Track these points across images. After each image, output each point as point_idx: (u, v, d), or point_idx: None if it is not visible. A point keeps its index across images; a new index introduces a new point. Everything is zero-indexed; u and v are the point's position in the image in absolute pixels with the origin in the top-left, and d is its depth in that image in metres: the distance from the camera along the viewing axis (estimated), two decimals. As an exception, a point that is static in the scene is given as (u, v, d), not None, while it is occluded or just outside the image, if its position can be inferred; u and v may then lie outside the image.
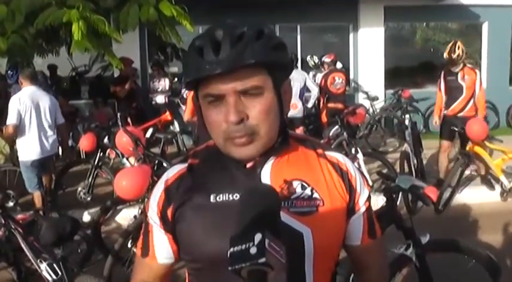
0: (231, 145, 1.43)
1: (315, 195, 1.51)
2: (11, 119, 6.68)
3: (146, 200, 5.39)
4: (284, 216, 1.44)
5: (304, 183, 1.52)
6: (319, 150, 1.60)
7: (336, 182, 1.55)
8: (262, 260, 1.09)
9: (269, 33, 1.42)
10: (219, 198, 1.49)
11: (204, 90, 1.41)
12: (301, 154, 1.58)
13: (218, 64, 1.34)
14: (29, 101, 6.76)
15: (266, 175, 1.51)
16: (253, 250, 1.10)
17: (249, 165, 1.51)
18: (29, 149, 6.87)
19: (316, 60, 12.59)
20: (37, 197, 6.96)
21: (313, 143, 1.64)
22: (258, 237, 1.12)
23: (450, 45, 8.03)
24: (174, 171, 1.60)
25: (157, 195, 1.57)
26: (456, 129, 7.84)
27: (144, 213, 1.68)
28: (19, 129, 6.76)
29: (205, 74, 1.36)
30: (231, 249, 1.13)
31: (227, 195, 1.49)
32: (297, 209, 1.48)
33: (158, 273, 1.64)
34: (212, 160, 1.56)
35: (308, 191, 1.51)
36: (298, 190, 1.50)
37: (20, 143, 6.91)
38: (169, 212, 1.53)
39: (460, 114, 8.01)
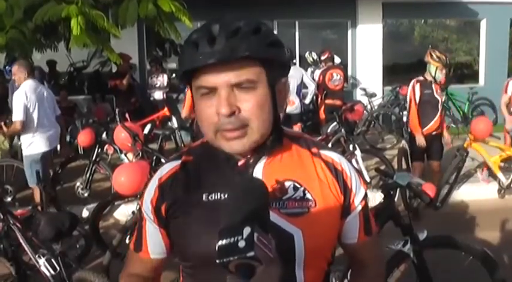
0: (222, 138, 1.42)
1: (308, 195, 1.49)
2: (18, 116, 6.59)
3: (139, 196, 5.41)
4: (275, 218, 1.44)
5: (296, 184, 1.50)
6: (314, 149, 1.58)
7: (330, 182, 1.53)
8: (251, 253, 1.09)
9: (266, 30, 1.42)
10: (211, 197, 1.49)
11: (197, 82, 1.41)
12: (295, 153, 1.56)
13: (212, 54, 1.34)
14: (33, 95, 6.70)
15: (258, 175, 1.50)
16: (241, 244, 1.10)
17: (240, 162, 1.50)
18: (38, 142, 6.81)
19: (315, 57, 12.60)
20: (37, 191, 6.94)
21: (308, 141, 1.61)
22: (247, 231, 1.11)
23: (437, 51, 7.25)
24: (167, 169, 1.59)
25: (151, 192, 1.57)
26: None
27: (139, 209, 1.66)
28: (26, 125, 6.70)
29: (199, 64, 1.36)
30: (220, 242, 1.13)
31: (219, 194, 1.48)
32: (289, 210, 1.47)
33: (150, 268, 1.66)
34: (206, 158, 1.56)
35: (300, 192, 1.50)
36: (290, 191, 1.49)
37: (27, 137, 6.80)
38: (163, 209, 1.54)
39: (434, 133, 7.19)
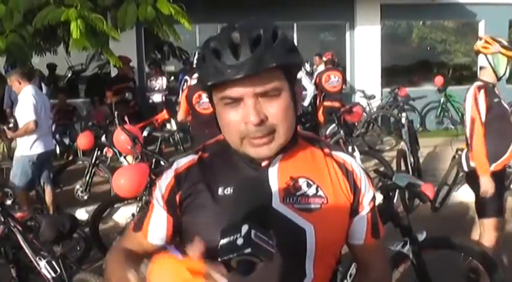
0: (249, 145, 1.46)
1: (320, 192, 1.54)
2: (30, 116, 6.67)
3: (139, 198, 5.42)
4: (289, 212, 1.49)
5: (309, 181, 1.55)
6: (326, 150, 1.63)
7: (341, 181, 1.58)
8: (248, 250, 1.12)
9: (282, 34, 1.45)
10: (227, 191, 1.51)
11: (221, 93, 1.42)
12: (309, 152, 1.61)
13: (240, 68, 1.35)
14: (40, 99, 6.81)
15: (273, 171, 1.54)
16: (239, 241, 1.14)
17: (264, 163, 1.54)
18: (35, 144, 6.81)
19: (308, 68, 12.61)
20: (23, 195, 6.91)
21: (321, 142, 1.67)
22: (244, 228, 1.15)
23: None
24: (184, 162, 1.61)
25: (167, 180, 1.58)
26: None
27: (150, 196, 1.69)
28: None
29: (227, 78, 1.37)
30: (221, 241, 1.17)
31: (234, 189, 1.50)
32: (302, 205, 1.51)
33: (145, 249, 1.61)
34: (222, 155, 1.59)
35: (313, 189, 1.54)
36: (304, 187, 1.54)
37: (26, 139, 6.84)
38: (177, 197, 1.56)
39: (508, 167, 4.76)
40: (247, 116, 1.40)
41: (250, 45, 1.37)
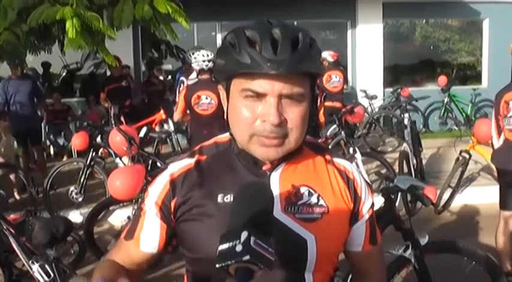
0: (257, 143, 1.44)
1: (321, 202, 1.53)
2: None
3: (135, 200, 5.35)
4: (290, 222, 1.49)
5: (311, 190, 1.54)
6: (328, 157, 1.63)
7: (342, 189, 1.58)
8: (246, 257, 1.12)
9: (317, 44, 1.46)
10: (227, 199, 1.49)
11: (245, 84, 1.41)
12: (311, 160, 1.60)
13: (280, 64, 1.35)
14: None
15: (275, 179, 1.53)
16: (238, 248, 1.13)
17: (266, 167, 1.53)
18: None
19: None
20: None
21: (322, 148, 1.66)
22: (244, 235, 1.14)
23: None
24: (180, 166, 1.58)
25: (160, 185, 1.56)
26: None
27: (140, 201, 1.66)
28: None
29: (264, 70, 1.36)
30: (220, 247, 1.16)
31: (234, 196, 1.45)
32: (303, 215, 1.50)
33: (134, 260, 1.61)
34: (221, 158, 1.58)
35: (314, 198, 1.53)
36: (305, 196, 1.53)
37: None
38: (172, 204, 1.53)
39: None
40: (267, 114, 1.39)
41: (291, 45, 1.38)
